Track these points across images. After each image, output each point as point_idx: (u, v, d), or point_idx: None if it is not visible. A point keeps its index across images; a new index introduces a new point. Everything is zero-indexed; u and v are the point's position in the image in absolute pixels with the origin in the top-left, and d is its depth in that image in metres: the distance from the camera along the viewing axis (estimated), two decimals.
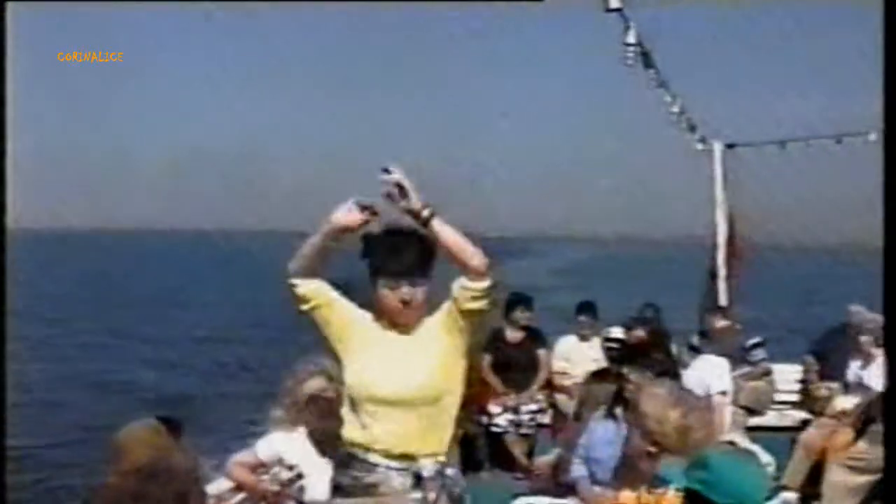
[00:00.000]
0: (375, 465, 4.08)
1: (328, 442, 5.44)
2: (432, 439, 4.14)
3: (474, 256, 4.02)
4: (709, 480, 3.64)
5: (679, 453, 4.15)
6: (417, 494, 4.08)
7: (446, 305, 4.15)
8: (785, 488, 7.86)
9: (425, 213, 3.98)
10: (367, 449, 4.10)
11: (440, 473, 4.14)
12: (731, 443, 7.28)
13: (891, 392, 4.21)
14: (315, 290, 4.17)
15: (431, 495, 4.10)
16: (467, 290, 4.04)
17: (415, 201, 3.97)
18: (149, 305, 39.94)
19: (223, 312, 37.43)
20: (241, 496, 5.70)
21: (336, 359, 4.33)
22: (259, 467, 5.63)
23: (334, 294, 4.22)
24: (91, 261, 74.78)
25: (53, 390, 20.18)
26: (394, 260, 4.09)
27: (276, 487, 5.50)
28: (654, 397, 4.30)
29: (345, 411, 4.23)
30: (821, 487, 7.77)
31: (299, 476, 5.45)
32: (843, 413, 8.26)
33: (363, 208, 4.06)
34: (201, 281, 54.80)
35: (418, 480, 4.09)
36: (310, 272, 4.15)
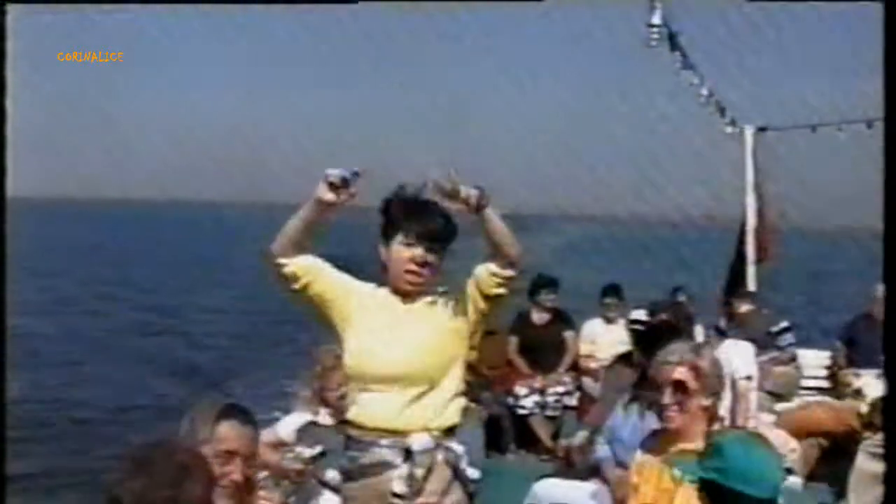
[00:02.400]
0: (370, 445, 4.04)
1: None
2: (425, 413, 4.08)
3: (514, 247, 4.06)
4: (724, 468, 3.62)
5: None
6: (405, 470, 4.03)
7: (466, 289, 4.13)
8: (792, 472, 7.82)
9: (482, 201, 3.97)
10: (363, 428, 4.06)
11: (437, 447, 4.10)
12: (736, 427, 7.26)
13: (891, 390, 4.16)
14: (304, 266, 4.05)
15: (418, 471, 4.05)
16: (496, 277, 4.06)
17: (471, 192, 3.96)
18: (165, 276, 39.88)
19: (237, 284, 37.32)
20: (262, 474, 5.72)
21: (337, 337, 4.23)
22: (281, 446, 5.65)
23: (325, 264, 4.12)
24: (95, 231, 74.58)
25: (66, 363, 20.27)
26: (416, 220, 4.08)
27: (298, 466, 5.52)
28: (709, 357, 4.28)
29: (351, 395, 4.17)
30: (832, 472, 7.77)
31: (322, 455, 5.46)
32: (858, 392, 8.21)
33: (336, 186, 3.93)
34: (217, 252, 54.50)
35: (408, 455, 4.04)
36: (296, 249, 4.03)
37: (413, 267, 4.09)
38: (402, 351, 4.05)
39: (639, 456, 4.56)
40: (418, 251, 4.07)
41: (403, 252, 4.09)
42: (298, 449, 5.60)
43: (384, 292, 4.18)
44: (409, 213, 4.11)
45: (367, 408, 4.05)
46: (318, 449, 5.50)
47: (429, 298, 4.16)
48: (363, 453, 4.04)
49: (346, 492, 4.17)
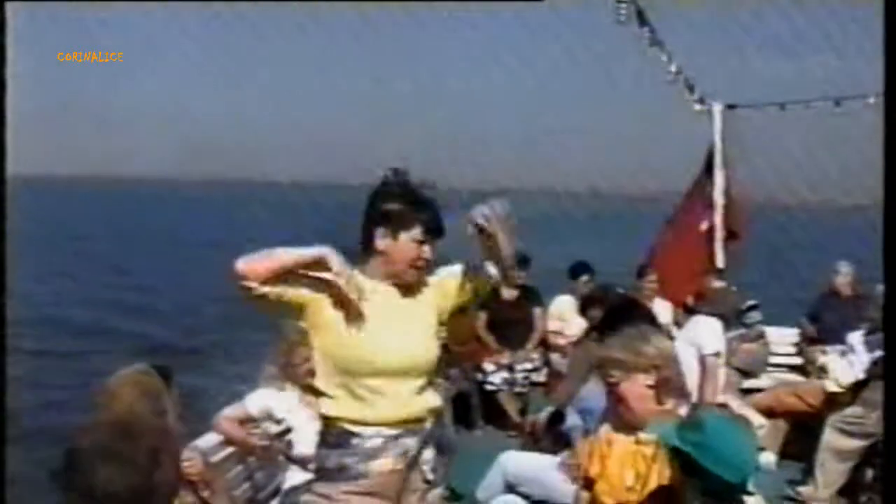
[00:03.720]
0: (384, 439, 3.92)
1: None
2: (429, 397, 4.06)
3: (514, 268, 4.22)
4: (702, 444, 3.61)
5: (673, 386, 4.18)
6: (433, 453, 4.04)
7: (454, 278, 4.12)
8: (763, 450, 7.85)
9: (489, 226, 3.90)
10: (370, 424, 3.92)
11: (441, 426, 4.15)
12: (724, 405, 7.27)
13: (890, 385, 4.15)
14: (275, 287, 3.83)
15: (440, 454, 4.08)
16: (491, 282, 4.09)
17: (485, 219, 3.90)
18: (154, 256, 39.56)
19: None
20: (229, 450, 5.70)
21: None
22: (248, 422, 5.63)
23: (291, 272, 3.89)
24: (86, 208, 73.92)
25: (49, 338, 20.14)
26: (428, 216, 4.01)
27: (264, 441, 5.50)
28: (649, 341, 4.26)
29: (330, 387, 3.98)
30: (800, 449, 7.81)
31: (288, 430, 5.45)
32: (822, 369, 8.26)
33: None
34: (207, 231, 54.07)
35: (426, 441, 4.02)
36: (276, 281, 3.81)
37: (421, 263, 4.02)
38: (409, 340, 3.99)
39: (605, 429, 4.53)
40: (427, 248, 4.02)
41: (413, 248, 3.99)
42: (265, 425, 5.58)
43: (368, 282, 4.03)
44: (420, 207, 4.01)
45: (377, 402, 3.92)
46: (284, 425, 5.48)
47: (413, 288, 4.10)
48: (380, 448, 3.92)
49: (353, 489, 3.93)
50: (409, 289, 4.08)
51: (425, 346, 4.05)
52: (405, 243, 3.99)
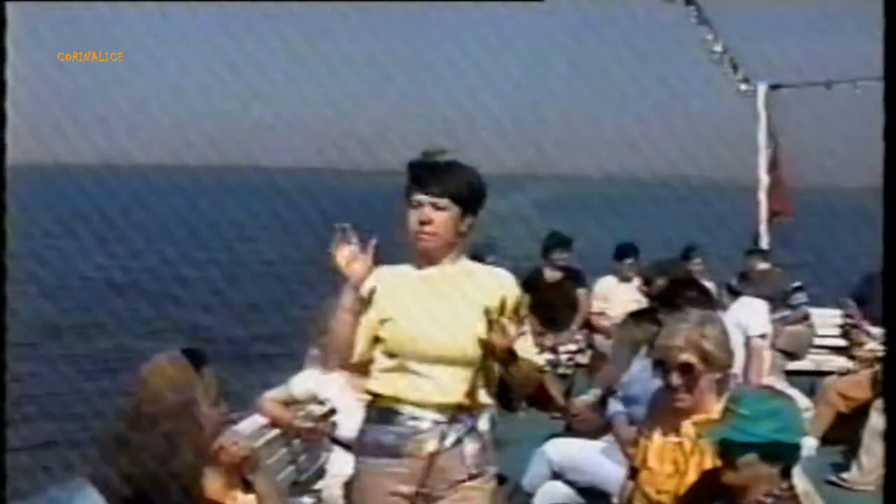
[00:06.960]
0: (423, 421, 3.93)
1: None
2: (483, 390, 4.01)
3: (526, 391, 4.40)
4: (747, 417, 3.58)
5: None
6: (476, 445, 3.99)
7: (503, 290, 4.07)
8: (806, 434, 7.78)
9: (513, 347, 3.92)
10: (410, 404, 3.94)
11: (493, 422, 4.18)
12: (769, 387, 7.23)
13: (891, 384, 4.10)
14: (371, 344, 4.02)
15: (489, 449, 4.05)
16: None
17: (512, 334, 3.89)
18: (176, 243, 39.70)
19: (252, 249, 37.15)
20: (274, 432, 5.72)
21: None
22: (292, 403, 5.65)
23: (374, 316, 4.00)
24: (102, 196, 73.91)
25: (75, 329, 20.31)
26: (419, 180, 3.95)
27: (308, 423, 5.51)
28: (714, 336, 4.20)
29: (380, 366, 4.02)
30: (842, 433, 7.75)
31: (332, 412, 5.45)
32: (875, 357, 8.17)
33: (349, 240, 3.92)
34: (227, 217, 54.05)
35: (471, 433, 3.98)
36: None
37: (417, 227, 3.95)
38: (440, 326, 3.94)
39: (648, 419, 4.48)
40: (426, 210, 3.93)
41: (412, 215, 3.96)
42: (310, 407, 5.59)
43: (406, 268, 4.07)
44: (414, 175, 3.99)
45: (422, 384, 3.93)
46: (328, 406, 5.49)
47: (450, 269, 4.04)
48: (418, 430, 3.93)
49: (385, 466, 3.98)
50: (446, 275, 4.02)
51: (457, 334, 3.94)
52: (409, 213, 3.96)
